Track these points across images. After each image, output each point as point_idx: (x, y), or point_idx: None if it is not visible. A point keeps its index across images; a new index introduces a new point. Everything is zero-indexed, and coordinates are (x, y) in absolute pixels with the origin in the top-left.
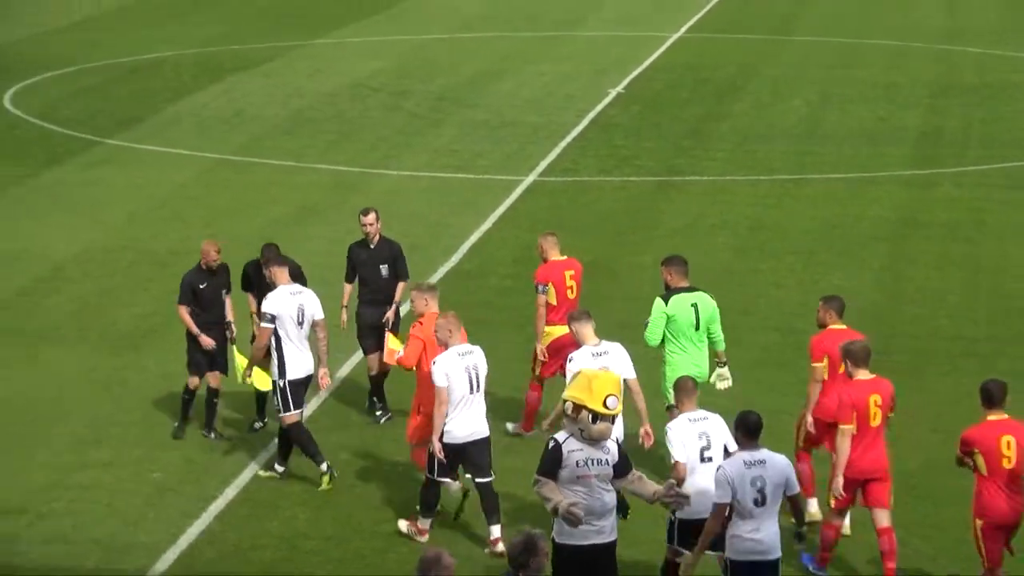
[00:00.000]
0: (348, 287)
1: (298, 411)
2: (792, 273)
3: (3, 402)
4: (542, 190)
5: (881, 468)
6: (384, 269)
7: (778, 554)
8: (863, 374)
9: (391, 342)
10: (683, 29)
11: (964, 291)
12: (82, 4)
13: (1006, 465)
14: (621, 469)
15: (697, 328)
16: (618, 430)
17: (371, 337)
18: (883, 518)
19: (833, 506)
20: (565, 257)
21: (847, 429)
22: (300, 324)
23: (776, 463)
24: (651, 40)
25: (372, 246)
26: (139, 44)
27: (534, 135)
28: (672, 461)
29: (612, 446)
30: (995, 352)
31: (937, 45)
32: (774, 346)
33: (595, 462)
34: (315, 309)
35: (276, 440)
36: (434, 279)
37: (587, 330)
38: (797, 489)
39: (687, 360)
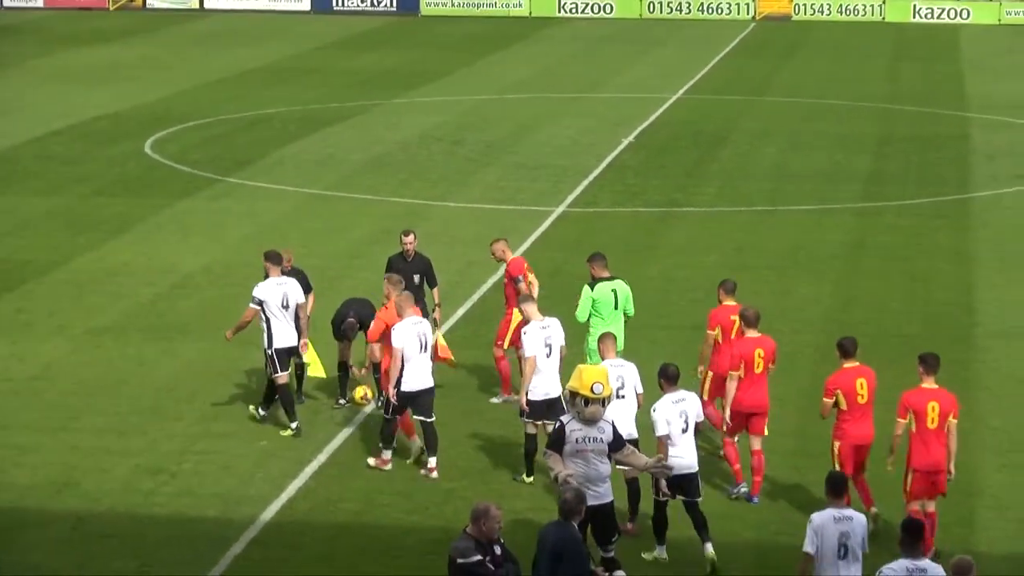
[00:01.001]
0: None
1: (284, 372)
2: (767, 284)
3: (145, 385)
4: (569, 218)
5: (762, 406)
6: (417, 278)
7: None
8: (752, 333)
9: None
10: (681, 92)
11: (903, 298)
12: (215, 68)
13: (860, 401)
14: (616, 446)
15: (616, 307)
16: (627, 423)
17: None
18: (757, 443)
19: (727, 431)
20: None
21: (735, 374)
22: (284, 307)
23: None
24: (656, 100)
25: (409, 259)
26: (258, 102)
27: (563, 175)
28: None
29: (607, 427)
30: (928, 346)
31: (881, 104)
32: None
33: (591, 439)
34: (297, 295)
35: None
36: (484, 289)
37: (532, 309)
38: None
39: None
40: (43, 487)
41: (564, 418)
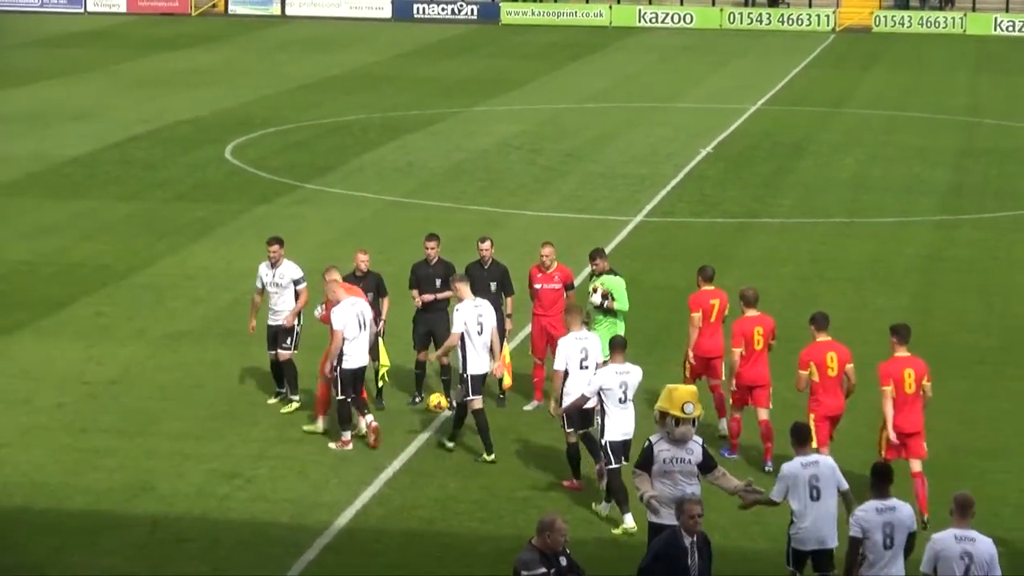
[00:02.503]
0: None
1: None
2: (844, 296)
3: (222, 390)
4: (647, 228)
5: (763, 379)
6: (493, 286)
7: None
8: (751, 312)
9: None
10: (760, 103)
11: (980, 312)
12: (296, 74)
13: (830, 374)
14: (706, 466)
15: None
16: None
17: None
18: (763, 414)
19: (733, 402)
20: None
21: (737, 351)
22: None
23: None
24: (735, 111)
25: (485, 267)
26: (338, 108)
27: (641, 184)
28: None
29: (696, 448)
30: (1004, 360)
31: (960, 117)
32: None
33: (679, 460)
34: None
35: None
36: None
37: (465, 288)
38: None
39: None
40: (120, 491)
41: (652, 437)
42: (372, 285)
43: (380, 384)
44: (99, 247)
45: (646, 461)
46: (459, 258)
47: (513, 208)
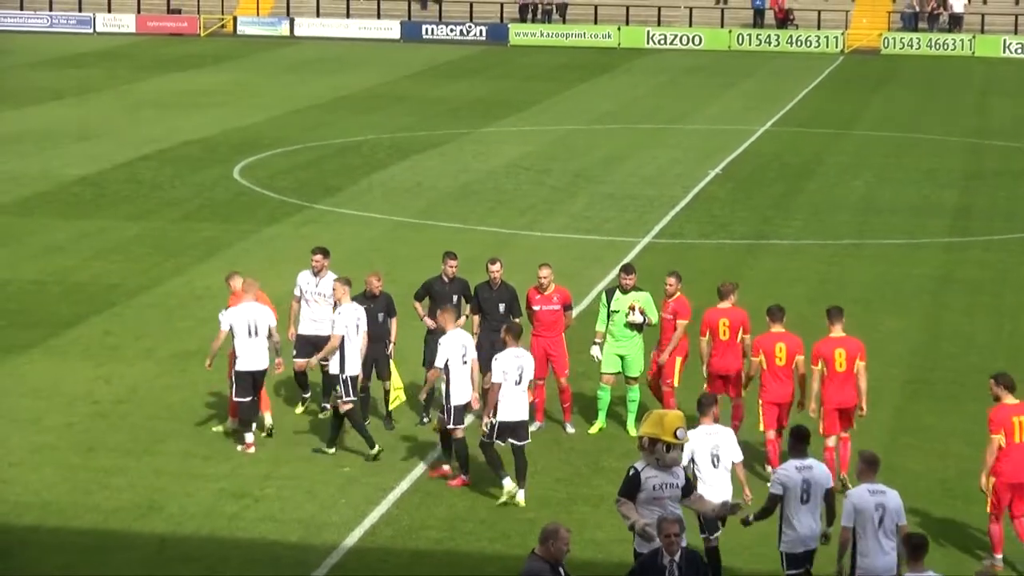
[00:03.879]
0: (476, 318)
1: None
2: (853, 318)
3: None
4: (656, 249)
5: (731, 370)
6: (502, 307)
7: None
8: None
9: None
10: (768, 124)
11: (990, 333)
12: (305, 95)
13: (778, 363)
14: (686, 490)
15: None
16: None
17: (489, 359)
18: (736, 400)
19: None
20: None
21: (702, 340)
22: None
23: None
24: (744, 132)
25: (494, 289)
26: (347, 129)
27: (649, 205)
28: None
29: (680, 472)
30: (1015, 382)
31: (969, 139)
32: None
33: (668, 486)
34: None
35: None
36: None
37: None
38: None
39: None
40: (128, 510)
41: (638, 464)
42: (383, 306)
43: (391, 407)
44: (108, 266)
45: (631, 489)
46: (468, 279)
47: (521, 229)
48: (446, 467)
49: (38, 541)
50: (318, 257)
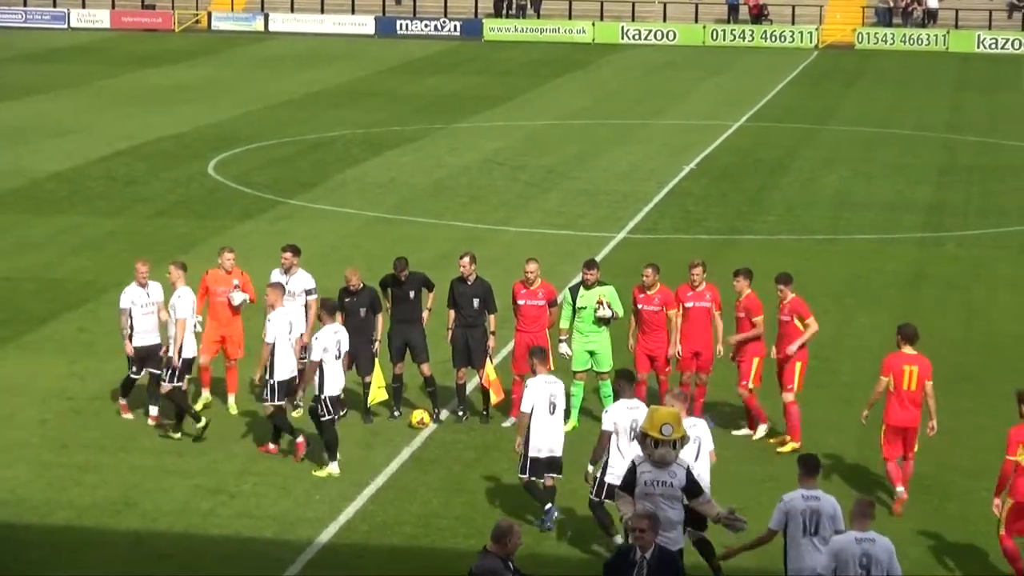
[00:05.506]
0: (451, 312)
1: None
2: (826, 313)
3: (208, 406)
4: (630, 245)
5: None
6: (476, 302)
7: None
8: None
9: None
10: (743, 119)
11: (963, 329)
12: (279, 90)
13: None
14: (691, 492)
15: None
16: (692, 459)
17: (463, 354)
18: (704, 377)
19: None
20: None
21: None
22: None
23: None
24: (718, 128)
25: (468, 283)
26: (321, 124)
27: (624, 201)
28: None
29: (680, 471)
30: (986, 376)
31: (943, 135)
32: (810, 369)
33: (660, 483)
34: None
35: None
36: None
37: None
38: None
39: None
40: (103, 506)
41: (636, 459)
42: (366, 301)
43: (371, 403)
44: (82, 263)
45: (628, 483)
46: (442, 274)
47: (496, 224)
48: (272, 446)
49: (12, 538)
50: (287, 255)
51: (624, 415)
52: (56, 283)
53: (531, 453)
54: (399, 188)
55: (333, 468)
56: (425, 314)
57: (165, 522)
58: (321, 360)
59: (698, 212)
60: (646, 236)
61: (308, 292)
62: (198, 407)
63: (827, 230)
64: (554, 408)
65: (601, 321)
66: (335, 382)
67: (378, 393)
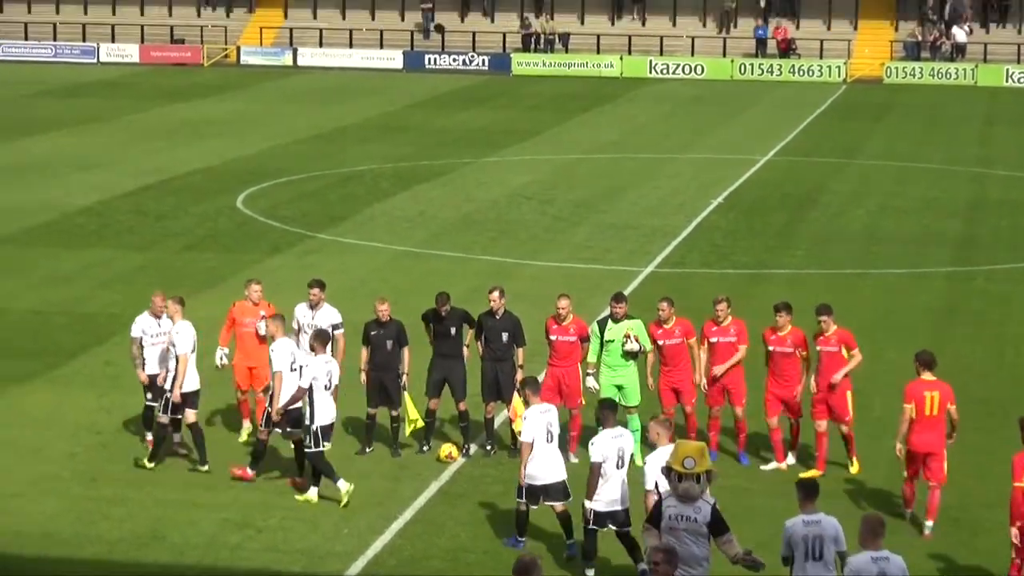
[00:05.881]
0: (479, 345)
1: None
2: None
3: (233, 439)
4: (657, 278)
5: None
6: (505, 336)
7: None
8: (927, 375)
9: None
10: (771, 154)
11: (993, 363)
12: (308, 124)
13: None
14: (716, 530)
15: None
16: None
17: (491, 388)
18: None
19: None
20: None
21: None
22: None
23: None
24: (746, 162)
25: (497, 316)
26: (350, 158)
27: (652, 235)
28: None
29: (705, 507)
30: (1016, 411)
31: (972, 169)
32: None
33: (684, 518)
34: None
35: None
36: None
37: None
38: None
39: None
40: (130, 540)
41: (663, 492)
42: (393, 334)
43: (407, 432)
44: (110, 296)
45: (656, 517)
46: (471, 309)
47: (524, 258)
48: (242, 469)
49: (41, 572)
50: (316, 291)
51: (609, 444)
52: (85, 317)
53: (527, 481)
54: (427, 222)
55: (312, 494)
56: (465, 351)
57: (193, 556)
58: (311, 388)
59: (726, 246)
60: (674, 270)
61: (335, 327)
62: (242, 438)
63: (856, 264)
64: (551, 436)
65: (629, 355)
66: (325, 412)
67: (412, 424)
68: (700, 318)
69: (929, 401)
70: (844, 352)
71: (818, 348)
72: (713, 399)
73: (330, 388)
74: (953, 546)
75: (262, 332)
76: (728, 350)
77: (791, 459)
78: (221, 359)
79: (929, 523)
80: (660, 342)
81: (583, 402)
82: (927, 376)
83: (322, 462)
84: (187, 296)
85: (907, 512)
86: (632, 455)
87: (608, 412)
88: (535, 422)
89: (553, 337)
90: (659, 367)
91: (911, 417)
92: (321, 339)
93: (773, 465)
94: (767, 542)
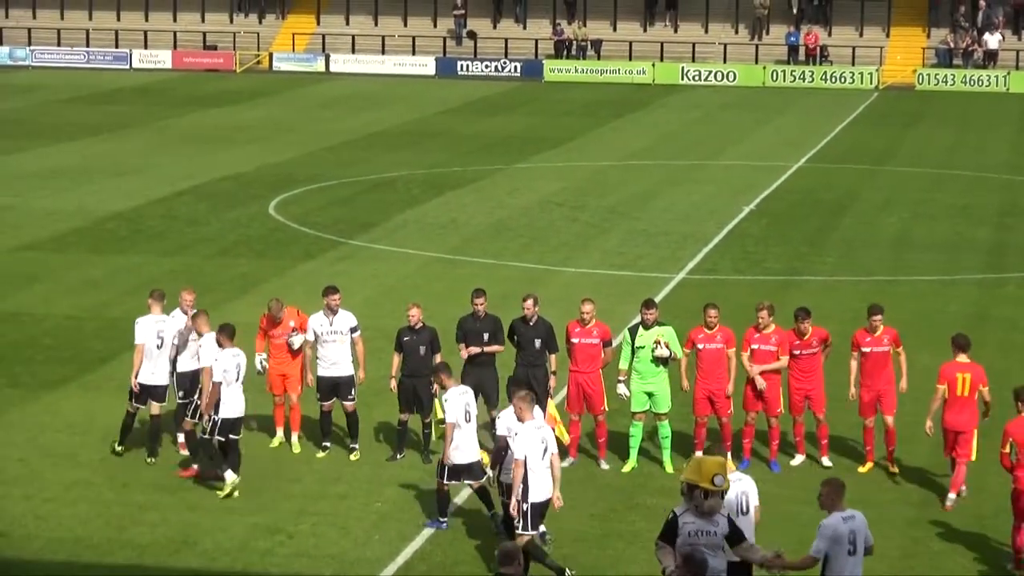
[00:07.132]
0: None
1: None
2: None
3: (264, 445)
4: (689, 285)
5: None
6: (538, 343)
7: None
8: (962, 357)
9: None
10: (803, 160)
11: (1023, 370)
12: (340, 131)
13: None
14: (734, 539)
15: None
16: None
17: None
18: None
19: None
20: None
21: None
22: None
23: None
24: (777, 168)
25: (531, 323)
26: (381, 165)
27: (683, 241)
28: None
29: (722, 520)
30: None
31: (1004, 176)
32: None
33: (704, 533)
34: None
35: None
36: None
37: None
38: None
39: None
40: (162, 545)
41: (677, 509)
42: (426, 339)
43: (432, 442)
44: (142, 302)
45: (670, 534)
46: (502, 315)
47: (555, 265)
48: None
49: None
50: (337, 296)
51: (532, 435)
52: (116, 322)
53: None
54: (459, 229)
55: (229, 476)
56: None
57: (224, 561)
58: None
59: (757, 253)
60: (705, 277)
61: (353, 330)
62: (273, 444)
63: (887, 271)
64: (469, 417)
65: (659, 361)
66: (232, 405)
67: (442, 425)
68: (731, 325)
69: (961, 382)
70: (892, 350)
71: (868, 349)
72: (750, 404)
73: (239, 380)
74: (986, 552)
75: (295, 347)
76: (767, 358)
77: (826, 462)
78: (261, 363)
79: (952, 495)
80: (701, 346)
81: (607, 408)
82: (961, 358)
83: (208, 447)
84: (218, 303)
85: (954, 493)
86: (662, 461)
87: (531, 403)
88: (454, 404)
89: (575, 340)
90: (695, 372)
91: (944, 397)
92: (227, 332)
93: (799, 459)
94: (796, 548)
